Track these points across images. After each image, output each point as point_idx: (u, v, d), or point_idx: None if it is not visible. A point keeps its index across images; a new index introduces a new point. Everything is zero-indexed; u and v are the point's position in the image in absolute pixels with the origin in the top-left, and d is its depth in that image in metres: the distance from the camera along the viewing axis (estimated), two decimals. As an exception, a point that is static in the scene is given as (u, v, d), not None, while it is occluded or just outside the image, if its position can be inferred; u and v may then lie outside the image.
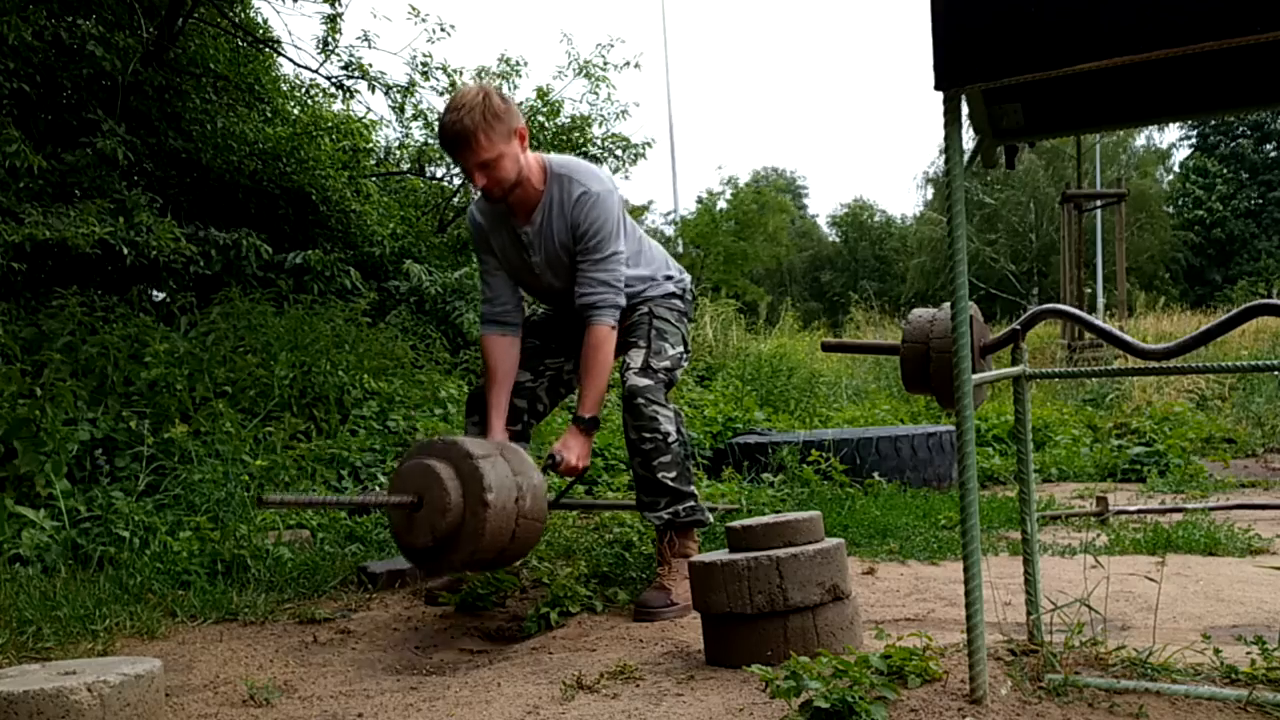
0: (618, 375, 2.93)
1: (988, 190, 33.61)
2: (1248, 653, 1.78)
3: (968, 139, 1.59)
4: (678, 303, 3.02)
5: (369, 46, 7.98)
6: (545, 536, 3.67)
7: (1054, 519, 4.06)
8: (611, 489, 4.51)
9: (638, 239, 3.00)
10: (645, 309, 2.94)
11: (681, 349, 2.92)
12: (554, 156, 2.85)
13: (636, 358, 2.82)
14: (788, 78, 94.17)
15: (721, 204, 21.93)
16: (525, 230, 2.81)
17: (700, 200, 21.82)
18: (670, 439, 2.74)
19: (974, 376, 1.62)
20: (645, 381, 2.76)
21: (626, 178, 11.73)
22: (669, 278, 3.04)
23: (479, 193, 2.76)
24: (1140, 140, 35.89)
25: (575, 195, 2.74)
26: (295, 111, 7.90)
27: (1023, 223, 32.99)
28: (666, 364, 2.84)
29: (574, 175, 2.77)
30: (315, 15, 7.72)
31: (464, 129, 2.59)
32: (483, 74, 8.81)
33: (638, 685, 2.03)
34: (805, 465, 4.80)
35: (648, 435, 2.73)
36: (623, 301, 2.81)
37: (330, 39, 7.48)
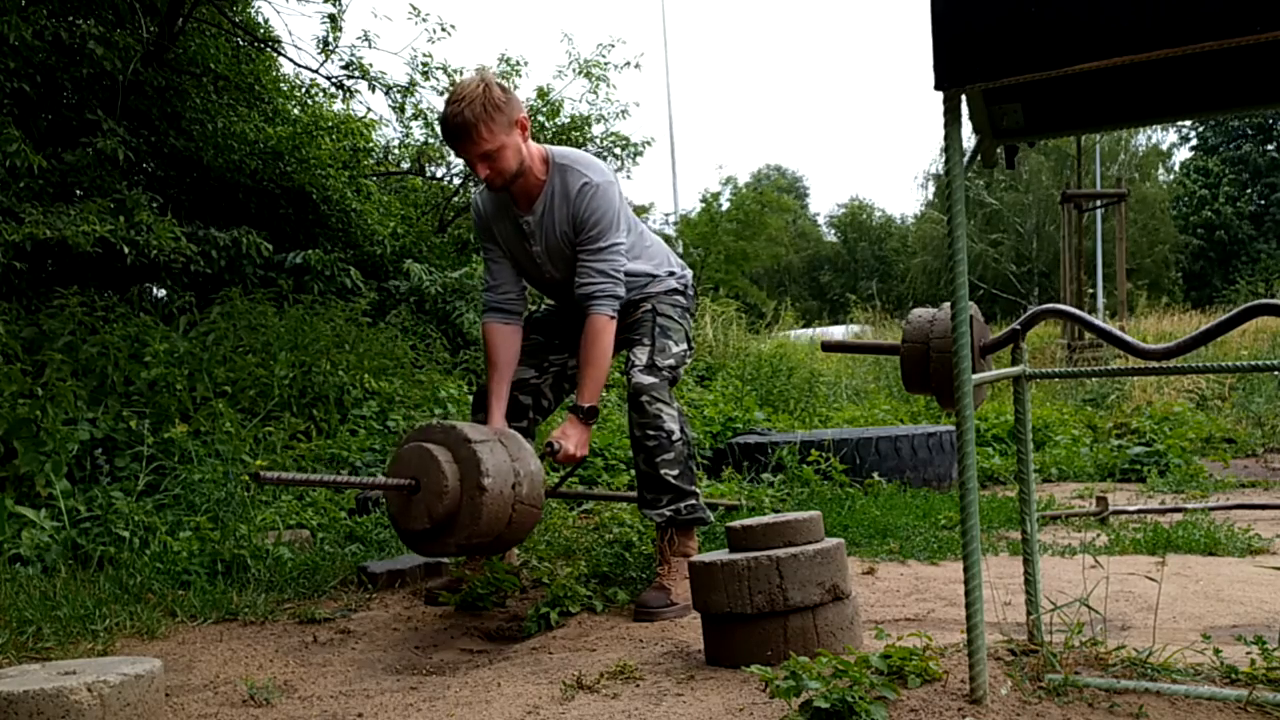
0: (620, 373, 2.93)
1: (990, 190, 33.61)
2: (1248, 653, 1.78)
3: (968, 139, 1.59)
4: (680, 299, 3.03)
5: (369, 46, 8.00)
6: (545, 536, 3.67)
7: (1054, 519, 4.06)
8: (611, 489, 4.51)
9: (639, 233, 3.00)
10: (648, 306, 2.94)
11: (685, 346, 2.93)
12: (556, 148, 2.86)
13: (641, 355, 2.83)
14: (788, 77, 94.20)
15: (723, 204, 21.93)
16: (527, 220, 2.82)
17: (703, 199, 21.80)
18: (674, 437, 2.75)
19: (974, 376, 1.62)
20: (650, 379, 2.77)
21: (628, 177, 11.74)
22: (671, 273, 3.04)
23: (482, 183, 2.78)
24: (1140, 140, 35.85)
25: (576, 186, 2.75)
26: (295, 111, 7.90)
27: (1026, 224, 32.98)
28: (670, 361, 2.85)
29: (575, 165, 2.78)
30: (315, 15, 7.74)
31: (465, 121, 2.60)
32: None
33: (638, 685, 2.03)
34: (805, 465, 4.80)
35: (652, 433, 2.74)
36: (622, 292, 2.81)
37: (331, 39, 7.48)
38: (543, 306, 3.23)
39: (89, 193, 5.57)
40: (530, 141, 2.76)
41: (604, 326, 2.77)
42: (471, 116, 2.60)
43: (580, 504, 4.59)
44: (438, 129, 8.94)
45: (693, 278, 3.16)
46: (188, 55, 6.76)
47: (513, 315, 2.92)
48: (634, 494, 3.13)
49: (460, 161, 9.12)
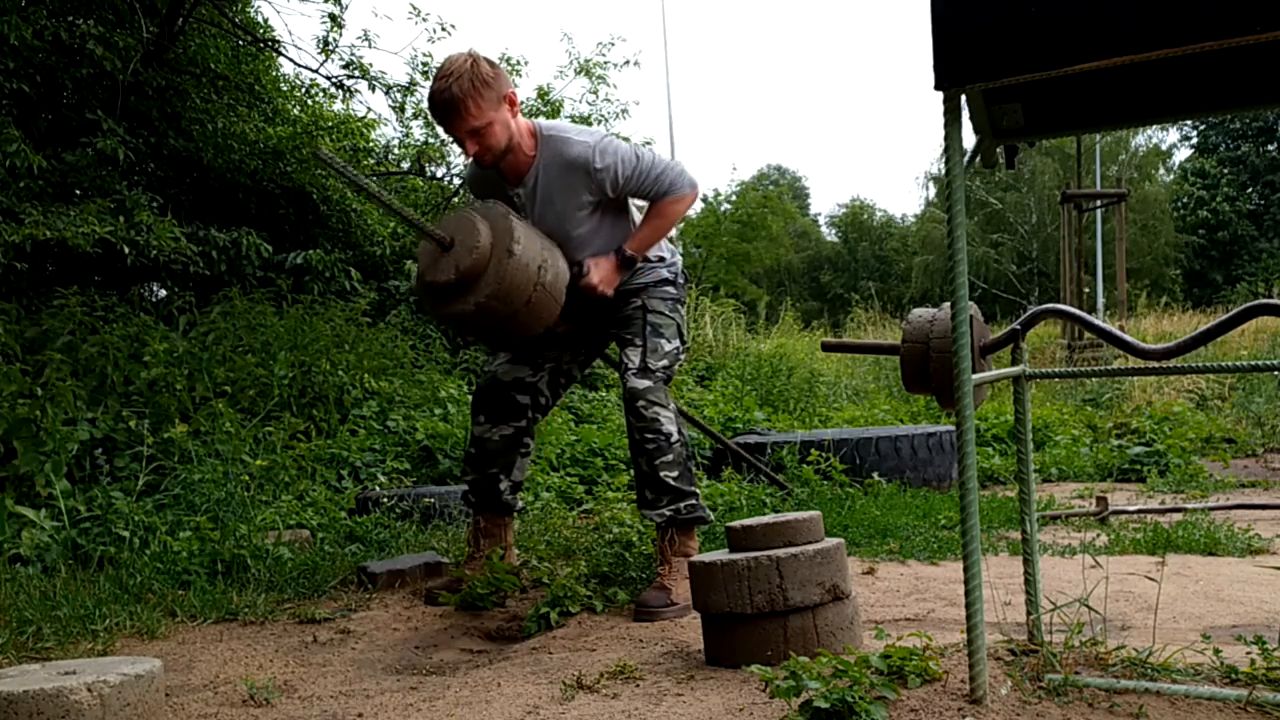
0: (617, 375, 2.94)
1: (990, 190, 33.59)
2: (1248, 653, 1.78)
3: (968, 139, 1.59)
4: (670, 289, 3.00)
5: (369, 46, 7.99)
6: (545, 536, 3.67)
7: (1054, 519, 4.06)
8: (611, 489, 4.52)
9: (629, 216, 2.99)
10: (638, 301, 2.93)
11: (678, 342, 2.92)
12: (543, 120, 2.86)
13: (634, 357, 2.82)
14: (788, 77, 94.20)
15: (725, 205, 21.93)
16: (517, 192, 2.83)
17: (706, 200, 21.79)
18: (673, 439, 2.75)
19: (974, 376, 1.62)
20: (645, 383, 2.77)
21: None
22: (661, 259, 3.01)
23: (470, 159, 2.79)
24: (1140, 140, 35.85)
25: (578, 154, 2.74)
26: (295, 111, 7.90)
27: (1026, 224, 32.97)
28: (664, 361, 2.84)
29: (564, 134, 2.78)
30: (315, 15, 7.74)
31: (453, 96, 2.60)
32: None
33: (638, 685, 2.03)
34: (805, 465, 4.80)
35: (650, 436, 2.74)
36: (690, 176, 2.86)
37: (331, 38, 7.48)
38: None
39: (89, 193, 5.57)
40: (519, 117, 2.75)
41: (681, 196, 2.83)
42: (459, 92, 2.59)
43: (580, 504, 4.60)
44: (438, 129, 8.95)
45: (682, 265, 3.16)
46: (188, 55, 6.76)
47: None
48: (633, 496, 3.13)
49: (460, 162, 9.13)
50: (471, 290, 2.55)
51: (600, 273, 2.79)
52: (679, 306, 3.01)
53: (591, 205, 2.83)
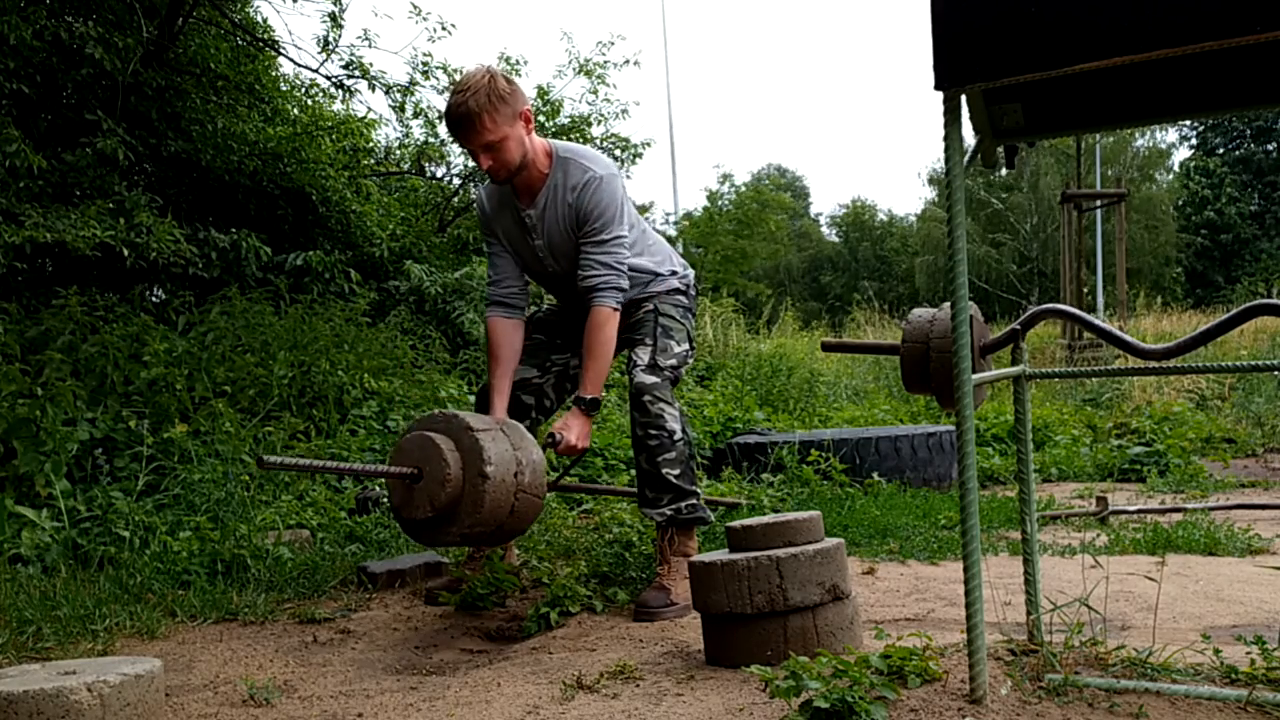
0: (621, 373, 2.94)
1: (992, 191, 33.58)
2: (1248, 653, 1.78)
3: (968, 139, 1.59)
4: (682, 298, 3.03)
5: (369, 46, 7.98)
6: (545, 536, 3.67)
7: (1054, 519, 4.06)
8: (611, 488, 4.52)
9: (642, 229, 3.00)
10: (650, 305, 2.95)
11: (687, 346, 2.94)
12: (560, 142, 2.87)
13: (643, 355, 2.83)
14: (788, 77, 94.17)
15: (723, 203, 21.94)
16: (529, 213, 2.83)
17: (707, 195, 21.82)
18: (676, 437, 2.76)
19: (974, 376, 1.62)
20: (652, 379, 2.78)
21: (628, 177, 11.73)
22: (673, 272, 3.04)
23: (486, 175, 2.79)
24: (1140, 140, 35.82)
25: (580, 179, 2.75)
26: (295, 111, 7.90)
27: (1026, 224, 32.96)
28: (673, 362, 2.85)
29: (578, 159, 2.79)
30: (315, 15, 7.74)
31: (469, 111, 2.60)
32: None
33: (638, 685, 2.03)
34: (805, 465, 4.80)
35: (653, 432, 2.74)
36: (625, 284, 2.81)
37: (331, 38, 7.48)
38: (544, 306, 3.23)
39: (89, 194, 5.56)
40: (534, 134, 2.76)
41: (607, 318, 2.77)
42: (475, 107, 2.60)
43: (580, 504, 4.60)
44: (438, 128, 8.94)
45: (694, 277, 3.17)
46: (187, 55, 6.76)
47: (515, 309, 2.93)
48: (633, 490, 3.13)
49: (460, 162, 9.13)
50: (452, 521, 2.44)
51: (573, 433, 2.72)
52: (689, 315, 3.04)
53: None
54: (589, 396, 2.75)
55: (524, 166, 2.74)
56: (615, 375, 6.85)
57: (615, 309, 2.79)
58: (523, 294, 2.96)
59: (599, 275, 2.77)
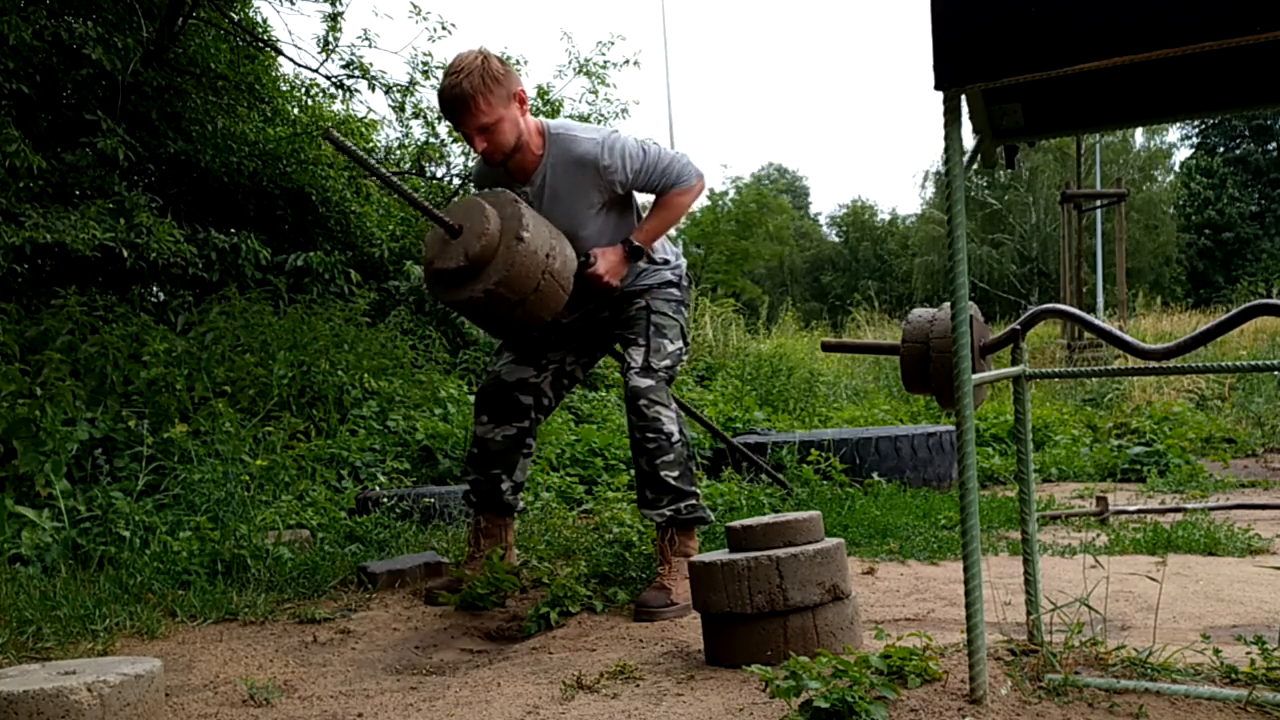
0: (617, 374, 2.95)
1: (991, 190, 33.59)
2: (1248, 653, 1.78)
3: (968, 139, 1.59)
4: (674, 291, 3.01)
5: (370, 46, 7.97)
6: (545, 536, 3.67)
7: (1054, 519, 4.06)
8: (611, 489, 4.52)
9: (634, 213, 3.00)
10: (642, 302, 2.94)
11: (681, 343, 2.93)
12: (550, 120, 2.88)
13: (637, 356, 2.83)
14: (789, 77, 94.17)
15: (727, 204, 21.96)
16: (524, 191, 2.83)
17: (709, 197, 21.82)
18: (674, 439, 2.76)
19: (974, 376, 1.62)
20: (647, 382, 2.77)
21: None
22: (665, 261, 3.02)
23: (479, 156, 2.81)
24: (1141, 140, 35.85)
25: (587, 152, 2.76)
26: (295, 112, 7.89)
27: (1026, 224, 32.97)
28: (667, 361, 2.85)
29: (571, 132, 2.80)
30: (315, 15, 7.74)
31: (463, 93, 2.61)
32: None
33: (638, 685, 2.03)
34: (805, 465, 4.80)
35: (651, 435, 2.74)
36: (696, 166, 2.89)
37: (331, 38, 7.47)
38: None
39: (88, 194, 5.56)
40: (528, 115, 2.76)
41: (688, 188, 2.87)
42: (469, 88, 2.60)
43: (580, 504, 4.60)
44: (438, 128, 8.94)
45: (687, 267, 3.16)
46: (187, 55, 6.76)
47: None
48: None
49: (460, 162, 9.12)
50: (480, 276, 2.57)
51: (607, 263, 2.81)
52: (683, 308, 3.02)
53: (600, 204, 2.84)
54: (637, 241, 2.85)
55: (518, 148, 2.75)
56: (615, 376, 6.86)
57: (699, 179, 2.90)
58: None
59: (678, 166, 2.85)
